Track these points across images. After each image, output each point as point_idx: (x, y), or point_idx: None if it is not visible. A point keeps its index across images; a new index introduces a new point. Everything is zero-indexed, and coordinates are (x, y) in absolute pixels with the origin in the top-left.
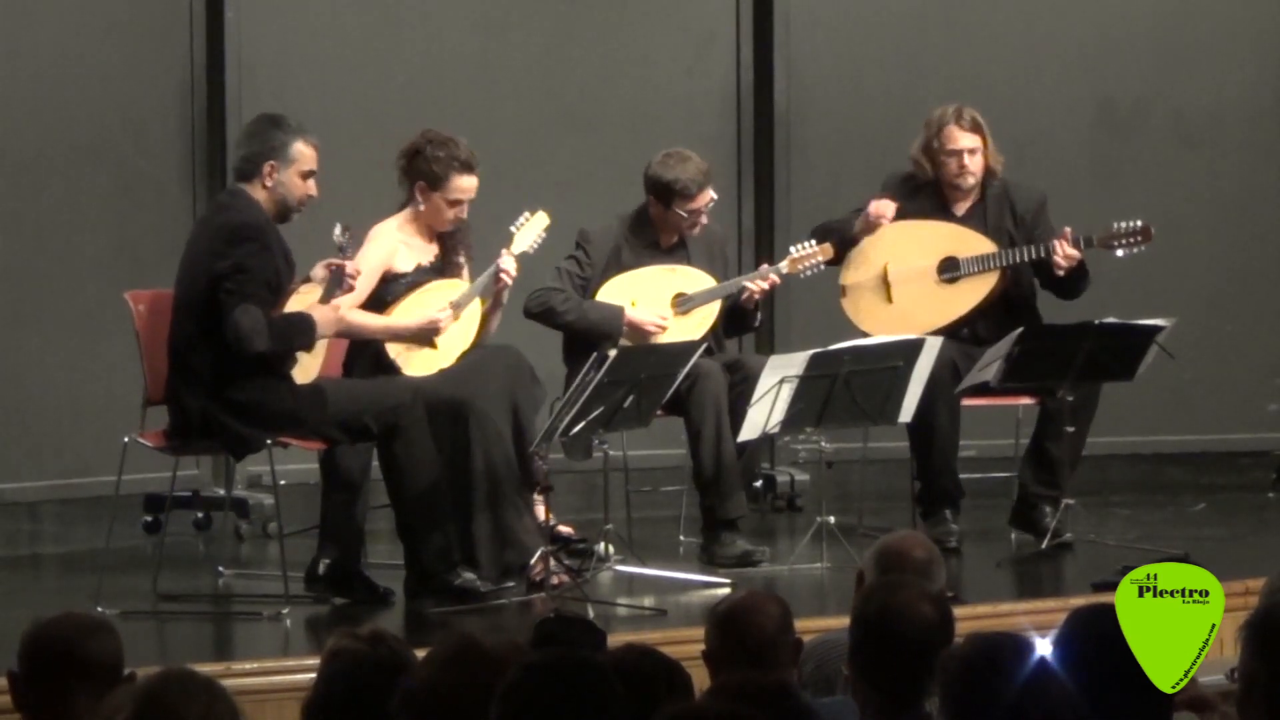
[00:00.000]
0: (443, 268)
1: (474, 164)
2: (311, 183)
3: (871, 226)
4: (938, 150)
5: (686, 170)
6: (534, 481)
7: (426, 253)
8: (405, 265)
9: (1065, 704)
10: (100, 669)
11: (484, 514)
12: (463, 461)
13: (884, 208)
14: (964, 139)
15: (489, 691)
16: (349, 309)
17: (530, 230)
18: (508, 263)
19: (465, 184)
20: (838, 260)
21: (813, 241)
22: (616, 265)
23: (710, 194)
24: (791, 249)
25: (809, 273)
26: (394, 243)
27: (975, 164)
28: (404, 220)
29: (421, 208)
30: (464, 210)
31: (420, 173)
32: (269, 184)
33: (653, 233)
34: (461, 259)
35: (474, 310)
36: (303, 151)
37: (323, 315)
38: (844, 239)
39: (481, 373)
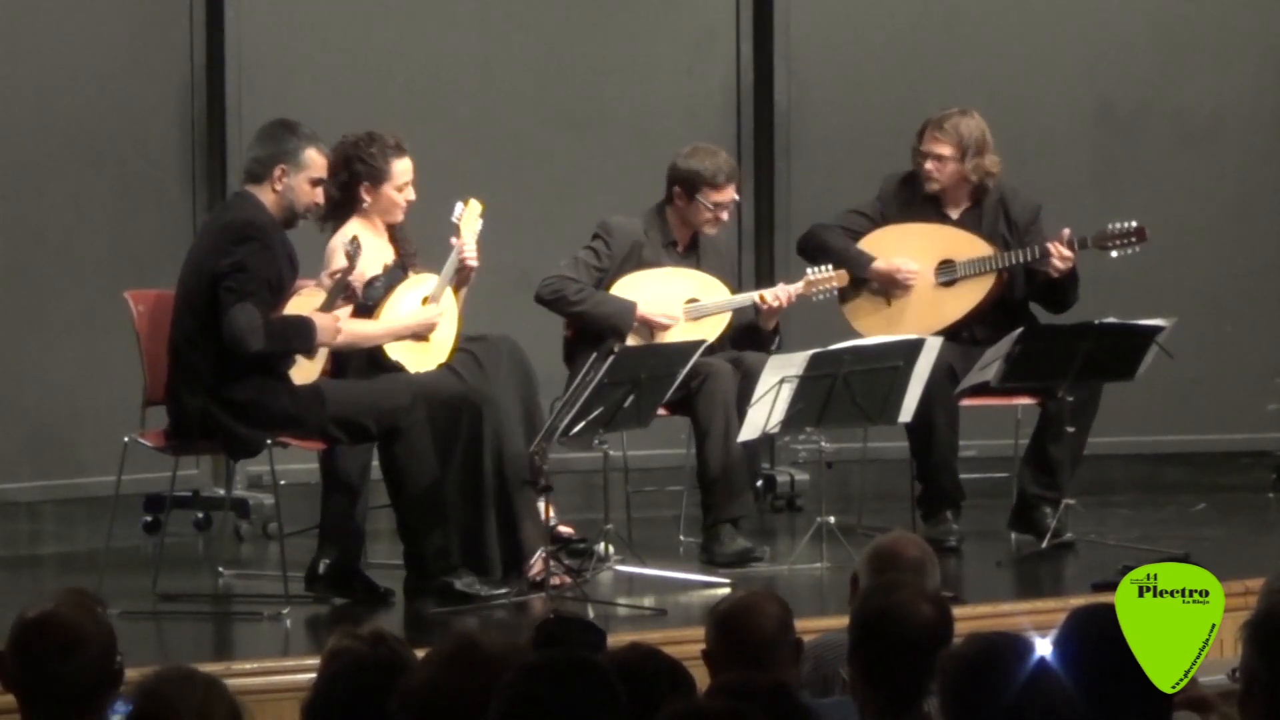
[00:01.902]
0: (405, 264)
1: (404, 147)
2: (319, 190)
3: (889, 279)
4: (915, 147)
5: (715, 161)
6: (536, 480)
7: (387, 252)
8: (375, 268)
9: (1065, 704)
10: (90, 656)
11: (495, 509)
12: (475, 456)
13: (908, 270)
14: (933, 145)
15: (488, 691)
16: (345, 320)
17: (470, 220)
18: (469, 248)
19: (406, 165)
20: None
21: (829, 266)
22: (636, 260)
23: (734, 193)
24: (809, 271)
25: (821, 296)
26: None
27: (942, 172)
28: (359, 225)
29: (370, 206)
30: (412, 191)
31: (360, 175)
32: (278, 187)
33: (671, 232)
34: (414, 254)
35: (450, 300)
36: (314, 158)
37: (323, 322)
38: (854, 276)
39: (491, 367)
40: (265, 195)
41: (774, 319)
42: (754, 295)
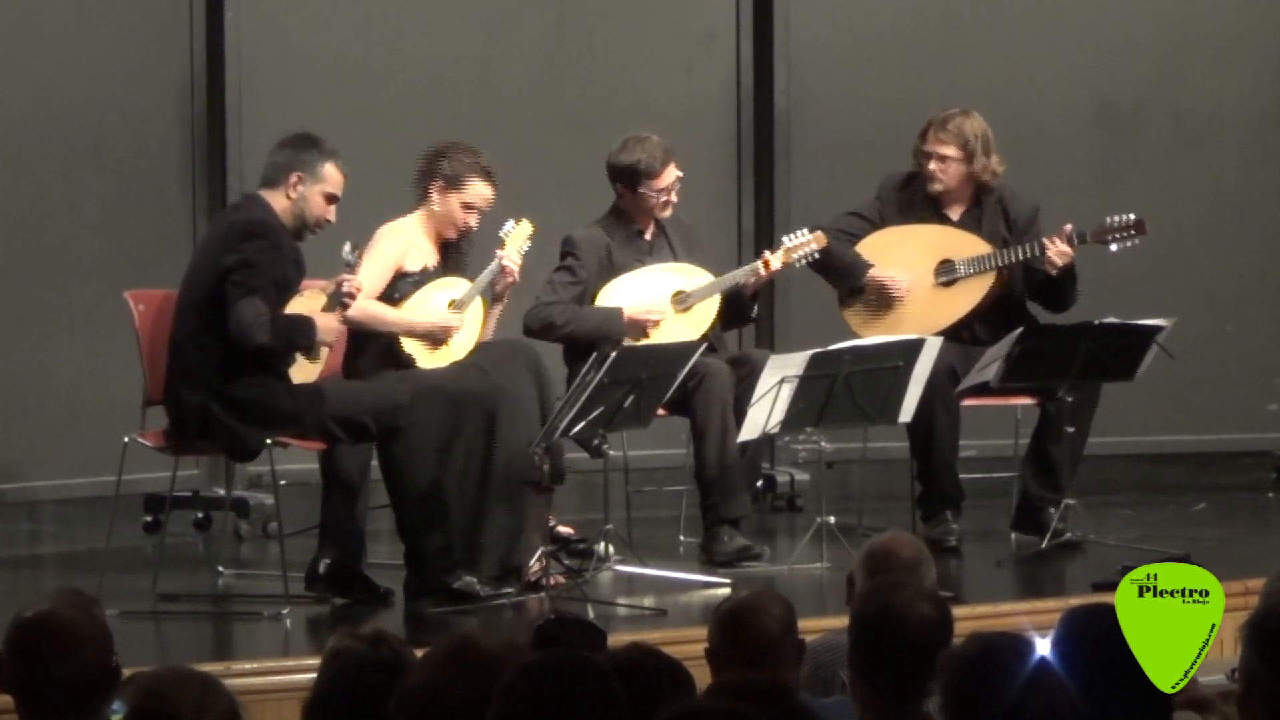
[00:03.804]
0: (444, 272)
1: (494, 176)
2: (333, 208)
3: (881, 290)
4: (919, 149)
5: (646, 149)
6: (538, 480)
7: (432, 256)
8: (414, 265)
9: (1066, 704)
10: (86, 656)
11: (502, 507)
12: (488, 452)
13: (897, 284)
14: (938, 145)
15: (486, 691)
16: (366, 300)
17: (518, 237)
18: (511, 264)
19: (483, 190)
20: (845, 282)
21: (805, 230)
22: (609, 265)
23: (676, 171)
24: (785, 239)
25: (803, 261)
26: (407, 242)
27: (946, 172)
28: (417, 221)
29: (436, 208)
30: (475, 219)
31: (440, 172)
32: (292, 195)
33: (631, 224)
34: (466, 268)
35: (477, 309)
36: (331, 173)
37: (324, 321)
38: (850, 286)
39: (510, 367)
40: (278, 200)
41: (756, 286)
42: (741, 271)
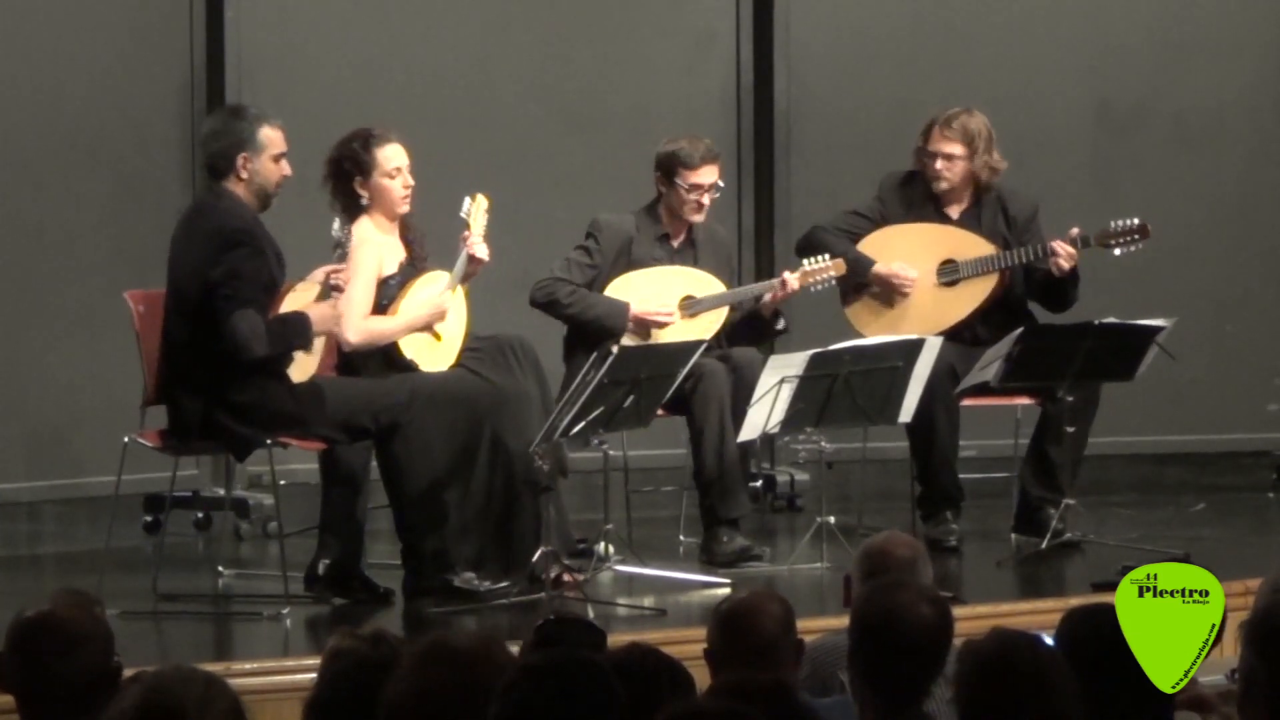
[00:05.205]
0: (415, 265)
1: (389, 135)
2: (284, 163)
3: (888, 284)
4: (922, 148)
5: (690, 141)
6: (538, 480)
7: (401, 251)
8: (391, 267)
9: (1079, 706)
10: (88, 655)
11: (504, 506)
12: (503, 454)
13: (906, 276)
14: (943, 144)
15: (468, 690)
16: (366, 317)
17: (478, 214)
18: (480, 249)
19: (392, 151)
20: (849, 277)
21: (825, 256)
22: (627, 257)
23: (716, 176)
24: (805, 262)
25: (818, 288)
26: (379, 246)
27: (952, 171)
28: (372, 225)
29: (367, 203)
30: (409, 178)
31: (350, 173)
32: (245, 175)
33: (663, 226)
34: (425, 255)
35: (459, 299)
36: (270, 136)
37: (319, 313)
38: (853, 283)
39: (514, 363)
40: (235, 186)
41: (774, 305)
42: (755, 288)
